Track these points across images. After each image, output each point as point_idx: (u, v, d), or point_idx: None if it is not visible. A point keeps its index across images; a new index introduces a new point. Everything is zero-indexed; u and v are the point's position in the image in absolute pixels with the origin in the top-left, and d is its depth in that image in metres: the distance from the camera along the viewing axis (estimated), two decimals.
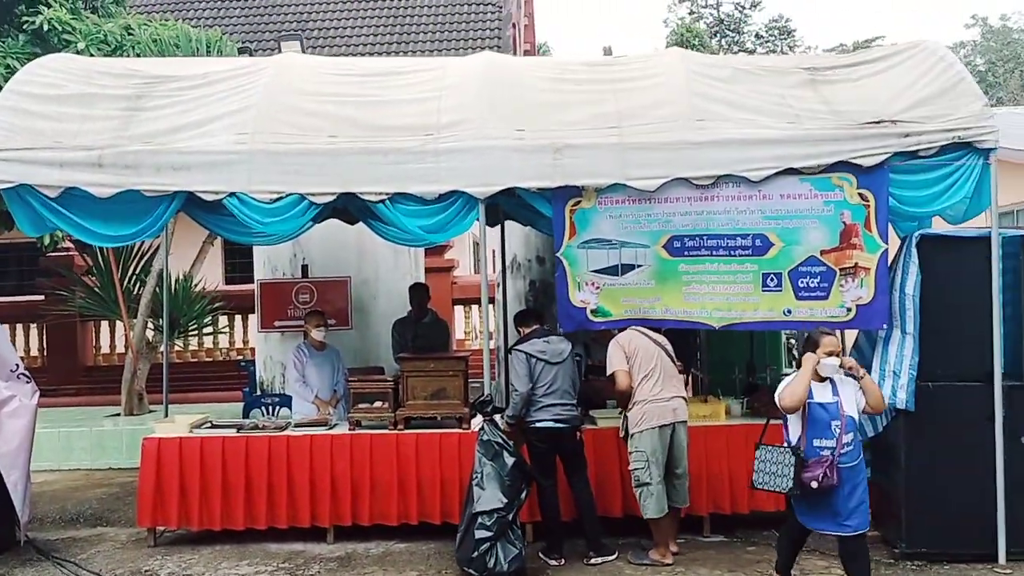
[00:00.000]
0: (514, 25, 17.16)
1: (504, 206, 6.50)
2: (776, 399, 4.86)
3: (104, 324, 12.40)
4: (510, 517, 5.51)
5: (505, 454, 5.61)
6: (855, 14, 65.25)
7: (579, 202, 5.85)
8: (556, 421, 5.84)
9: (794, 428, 4.85)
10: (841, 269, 5.75)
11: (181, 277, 10.44)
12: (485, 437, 5.69)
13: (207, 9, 18.46)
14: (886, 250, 5.73)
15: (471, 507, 5.56)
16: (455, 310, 12.88)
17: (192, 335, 11.50)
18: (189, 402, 10.34)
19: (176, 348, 11.88)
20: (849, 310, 5.77)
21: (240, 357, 12.50)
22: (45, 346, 12.45)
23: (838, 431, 4.70)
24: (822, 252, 5.77)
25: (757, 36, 44.19)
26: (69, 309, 10.80)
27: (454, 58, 7.17)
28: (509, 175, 5.80)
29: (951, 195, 5.72)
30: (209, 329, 11.66)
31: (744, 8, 44.02)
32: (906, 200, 5.78)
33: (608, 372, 5.93)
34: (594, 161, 5.78)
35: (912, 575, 5.48)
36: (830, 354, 4.75)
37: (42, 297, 11.68)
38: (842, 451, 4.67)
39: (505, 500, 5.51)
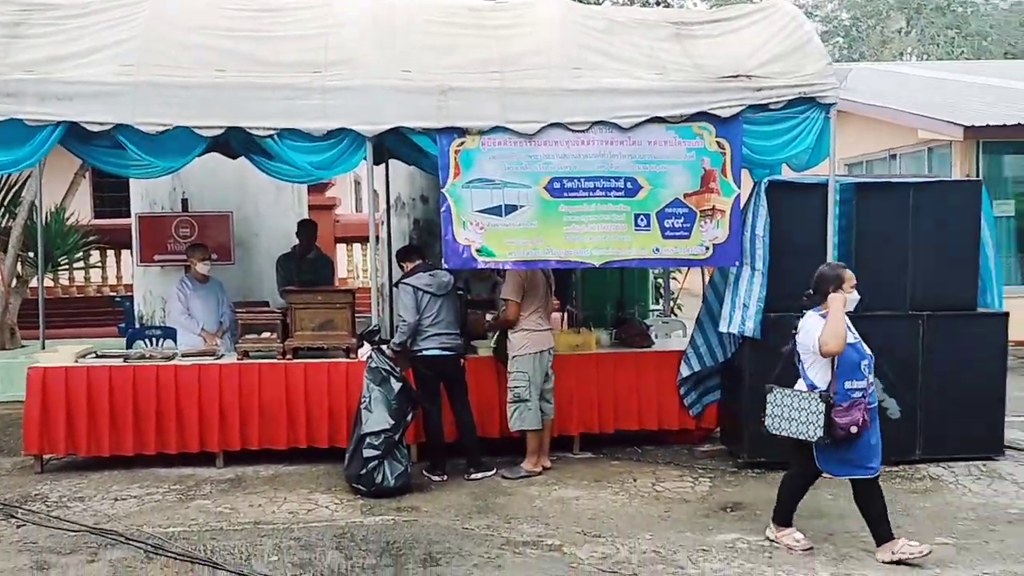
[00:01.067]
0: None
1: (389, 145, 6.73)
2: (817, 346, 4.55)
3: None
4: (396, 437, 5.91)
5: (392, 380, 5.98)
6: None
7: (463, 143, 6.14)
8: (442, 349, 6.25)
9: (821, 373, 4.63)
10: (701, 211, 6.31)
11: (53, 210, 10.16)
12: (373, 364, 6.03)
13: None
14: (739, 194, 6.33)
15: (359, 429, 5.92)
16: (337, 248, 13.01)
17: (64, 270, 11.22)
18: (62, 338, 10.11)
19: (47, 283, 11.55)
20: (707, 248, 6.35)
21: (113, 293, 12.30)
22: None
23: (867, 371, 4.59)
24: (685, 195, 6.29)
25: None
26: None
27: None
28: (395, 115, 6.05)
29: (796, 145, 6.35)
30: (81, 264, 11.38)
31: None
32: (757, 149, 6.39)
33: (502, 296, 6.40)
34: (477, 104, 6.09)
35: (752, 481, 6.21)
36: (851, 288, 4.66)
37: None
38: (870, 391, 4.63)
39: (392, 422, 5.89)
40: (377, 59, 6.13)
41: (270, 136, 6.00)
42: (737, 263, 6.38)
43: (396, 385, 5.96)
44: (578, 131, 6.16)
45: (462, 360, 6.46)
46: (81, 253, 11.01)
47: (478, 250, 6.19)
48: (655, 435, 7.05)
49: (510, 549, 4.84)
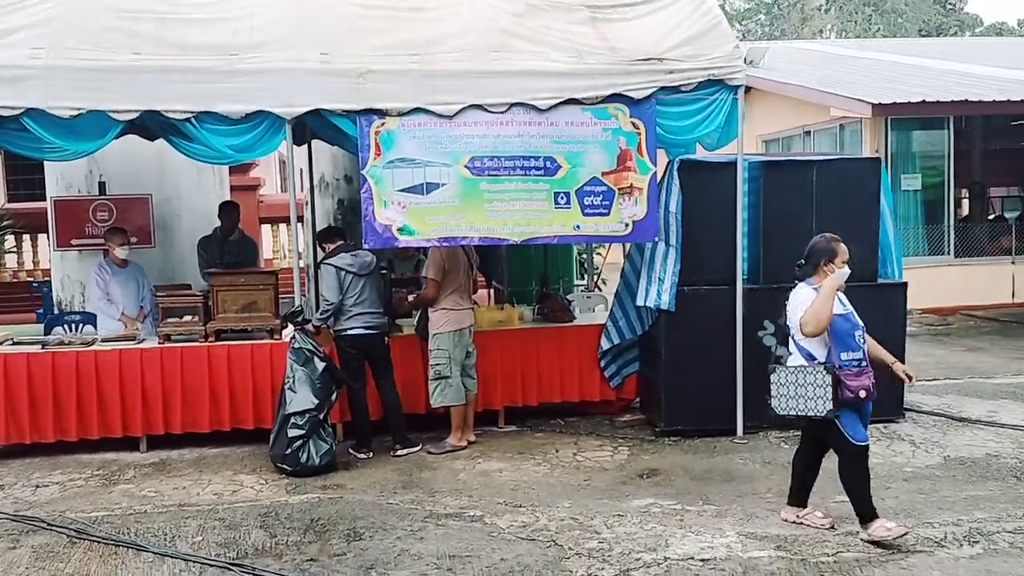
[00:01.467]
0: None
1: (312, 125, 6.74)
2: (799, 325, 4.49)
3: None
4: (321, 416, 5.99)
5: (316, 359, 6.05)
6: None
7: (383, 124, 6.19)
8: (366, 328, 6.35)
9: (816, 347, 4.51)
10: (619, 189, 6.48)
11: None
12: (296, 345, 6.09)
13: None
14: (655, 172, 6.53)
15: (284, 409, 5.98)
16: (262, 229, 12.91)
17: None
18: None
19: None
20: (627, 225, 6.53)
21: (31, 279, 12.01)
22: None
23: (862, 340, 4.53)
24: (603, 173, 6.44)
25: None
26: None
27: None
28: (315, 96, 6.07)
29: (706, 125, 6.58)
30: None
31: None
32: (670, 129, 6.60)
33: (423, 274, 6.53)
34: (396, 86, 6.14)
35: (669, 448, 6.47)
36: (843, 263, 4.58)
37: None
38: (865, 361, 4.54)
39: (316, 401, 5.96)
40: (295, 42, 6.13)
41: (187, 119, 5.97)
42: (656, 238, 6.59)
43: (319, 365, 6.03)
44: (497, 112, 6.26)
45: (386, 339, 6.56)
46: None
47: (400, 229, 6.26)
48: (578, 407, 7.27)
49: (433, 521, 4.99)
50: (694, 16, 6.74)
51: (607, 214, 6.46)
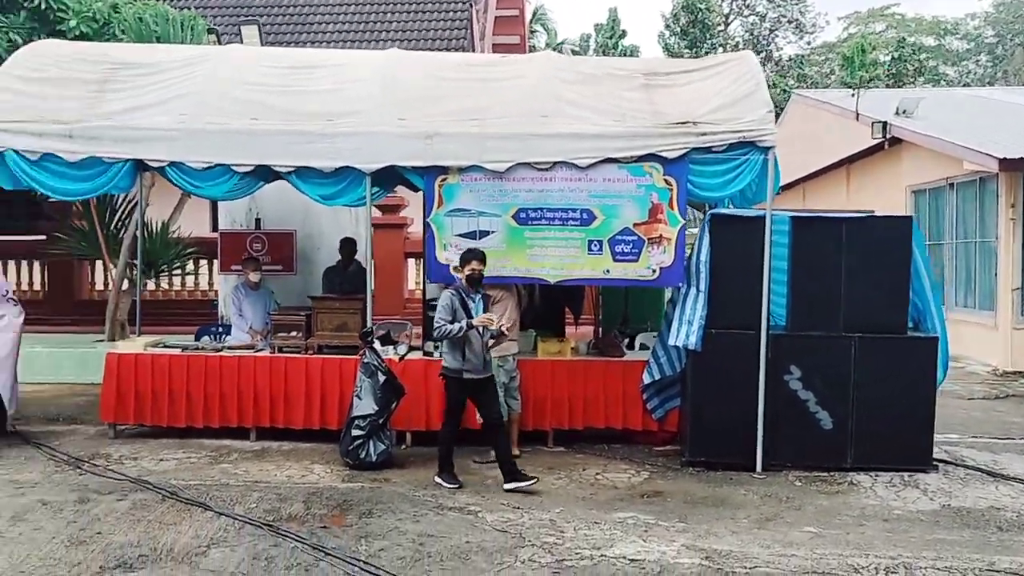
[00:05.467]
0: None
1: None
2: None
3: (99, 264, 14.03)
4: (380, 421, 7.14)
5: (379, 373, 7.22)
6: None
7: (446, 178, 7.36)
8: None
9: None
10: (649, 239, 7.25)
11: (160, 225, 12.04)
12: (365, 360, 7.29)
13: None
14: (684, 224, 7.23)
15: (351, 412, 7.20)
16: (408, 263, 14.42)
17: (177, 275, 13.19)
18: (164, 333, 11.94)
19: (152, 287, 13.54)
20: (654, 271, 7.29)
21: (214, 297, 14.17)
22: (46, 281, 14.15)
23: None
24: (634, 225, 7.26)
25: None
26: (62, 250, 12.43)
27: (363, 53, 8.63)
28: (391, 155, 7.33)
29: (737, 183, 7.19)
30: (179, 271, 13.29)
31: None
32: (702, 186, 7.26)
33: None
34: (458, 146, 7.28)
35: (688, 477, 7.04)
36: None
37: (44, 237, 13.33)
38: None
39: (377, 408, 7.13)
40: (379, 109, 7.43)
41: (290, 172, 7.40)
42: (682, 284, 7.25)
43: (381, 378, 7.19)
44: (542, 169, 7.24)
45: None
46: (182, 262, 12.85)
47: (455, 267, 7.35)
48: (627, 435, 7.95)
49: (436, 511, 5.97)
50: (737, 83, 7.41)
51: (636, 260, 7.23)
